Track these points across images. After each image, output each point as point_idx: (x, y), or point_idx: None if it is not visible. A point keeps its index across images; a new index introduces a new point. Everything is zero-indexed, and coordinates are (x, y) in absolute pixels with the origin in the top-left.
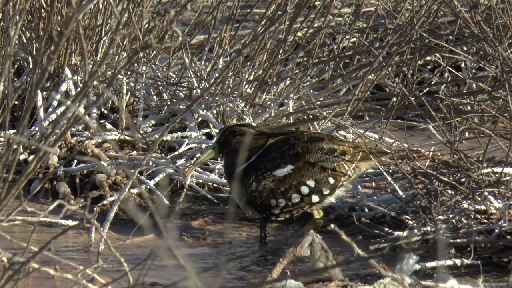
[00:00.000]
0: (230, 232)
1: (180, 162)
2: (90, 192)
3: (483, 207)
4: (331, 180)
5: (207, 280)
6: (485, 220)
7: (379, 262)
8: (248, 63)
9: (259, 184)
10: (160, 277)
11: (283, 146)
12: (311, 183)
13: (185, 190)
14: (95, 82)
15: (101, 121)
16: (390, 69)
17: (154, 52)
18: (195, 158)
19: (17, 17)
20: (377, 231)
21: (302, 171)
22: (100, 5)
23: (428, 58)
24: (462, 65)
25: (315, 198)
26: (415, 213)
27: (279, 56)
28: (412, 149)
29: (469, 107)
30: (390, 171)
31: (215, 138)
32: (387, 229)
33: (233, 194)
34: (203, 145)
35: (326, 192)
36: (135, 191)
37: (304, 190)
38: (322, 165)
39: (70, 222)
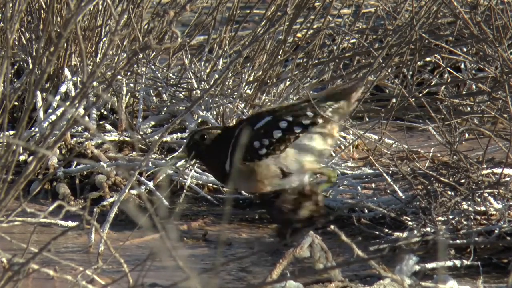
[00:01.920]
0: (230, 233)
1: (180, 163)
2: (90, 193)
3: (483, 208)
4: (310, 113)
5: (206, 281)
6: (485, 221)
7: (379, 263)
8: (248, 64)
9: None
10: (160, 278)
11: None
12: (289, 118)
13: (184, 191)
14: (94, 83)
15: (101, 122)
16: (389, 70)
17: (154, 53)
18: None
19: (15, 18)
20: (377, 232)
21: (280, 113)
22: (100, 6)
23: (427, 59)
24: (462, 66)
25: (298, 129)
26: (415, 214)
27: (279, 57)
28: (411, 150)
29: (468, 108)
30: (390, 172)
31: (185, 142)
32: (386, 230)
33: (233, 182)
34: None
35: (306, 122)
36: (134, 192)
37: (283, 124)
38: (298, 106)
39: (70, 223)
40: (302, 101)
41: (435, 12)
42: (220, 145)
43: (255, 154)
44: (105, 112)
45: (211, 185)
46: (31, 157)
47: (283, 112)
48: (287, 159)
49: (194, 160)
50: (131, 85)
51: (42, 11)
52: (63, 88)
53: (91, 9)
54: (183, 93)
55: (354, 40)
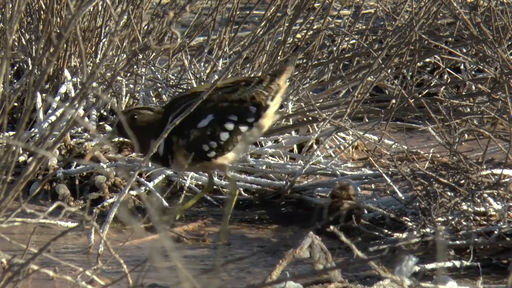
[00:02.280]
0: (230, 233)
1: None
2: (90, 194)
3: (482, 209)
4: (253, 109)
5: (205, 282)
6: (484, 222)
7: (378, 264)
8: (248, 65)
9: (188, 139)
10: (160, 279)
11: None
12: (234, 117)
13: (184, 192)
14: (94, 84)
15: (101, 123)
16: (389, 70)
17: (154, 53)
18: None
19: (15, 19)
20: (377, 233)
21: (223, 111)
22: (100, 7)
23: (427, 59)
24: (462, 67)
25: (244, 128)
26: (415, 215)
27: (279, 57)
28: (411, 151)
29: (468, 109)
30: (390, 173)
31: (116, 121)
32: (386, 230)
33: (172, 167)
34: None
35: (251, 120)
36: (134, 192)
37: (229, 126)
38: (240, 98)
39: (70, 224)
40: (239, 81)
41: (435, 13)
42: (152, 127)
43: (204, 156)
44: (105, 113)
45: None
46: (30, 158)
47: (224, 105)
48: (235, 153)
49: (124, 138)
50: (131, 86)
51: (41, 12)
52: (62, 89)
53: (91, 10)
54: None
55: (353, 41)
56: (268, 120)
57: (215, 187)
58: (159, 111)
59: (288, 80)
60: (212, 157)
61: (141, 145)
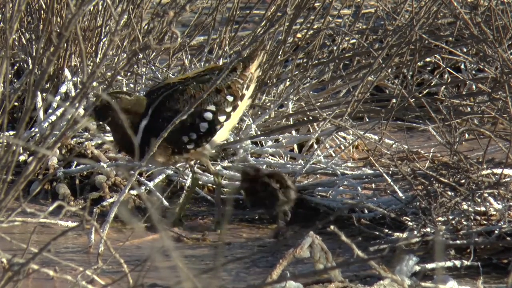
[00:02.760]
0: (230, 233)
1: (179, 163)
2: (90, 193)
3: (483, 209)
4: (230, 98)
5: (206, 282)
6: (484, 222)
7: (378, 263)
8: None
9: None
10: (160, 279)
11: (171, 100)
12: (212, 107)
13: (184, 191)
14: (94, 83)
15: (101, 122)
16: (389, 70)
17: (154, 53)
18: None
19: (15, 18)
20: (377, 233)
21: (201, 102)
22: (100, 7)
23: (427, 59)
24: (462, 66)
25: (222, 118)
26: (415, 215)
27: (279, 57)
28: (412, 151)
29: (469, 109)
30: (390, 172)
31: (93, 105)
32: (386, 230)
33: (151, 160)
34: None
35: (229, 109)
36: (134, 192)
37: (208, 116)
38: (217, 87)
39: (70, 223)
40: (210, 69)
41: (435, 13)
42: (130, 116)
43: (183, 147)
44: None
45: (211, 185)
46: (31, 158)
47: (204, 99)
48: (212, 144)
49: (101, 122)
50: (131, 85)
51: (42, 12)
52: (63, 89)
53: (91, 10)
54: None
55: (354, 40)
56: (243, 107)
57: (215, 186)
58: (137, 97)
59: (259, 67)
60: (191, 148)
61: (116, 130)
